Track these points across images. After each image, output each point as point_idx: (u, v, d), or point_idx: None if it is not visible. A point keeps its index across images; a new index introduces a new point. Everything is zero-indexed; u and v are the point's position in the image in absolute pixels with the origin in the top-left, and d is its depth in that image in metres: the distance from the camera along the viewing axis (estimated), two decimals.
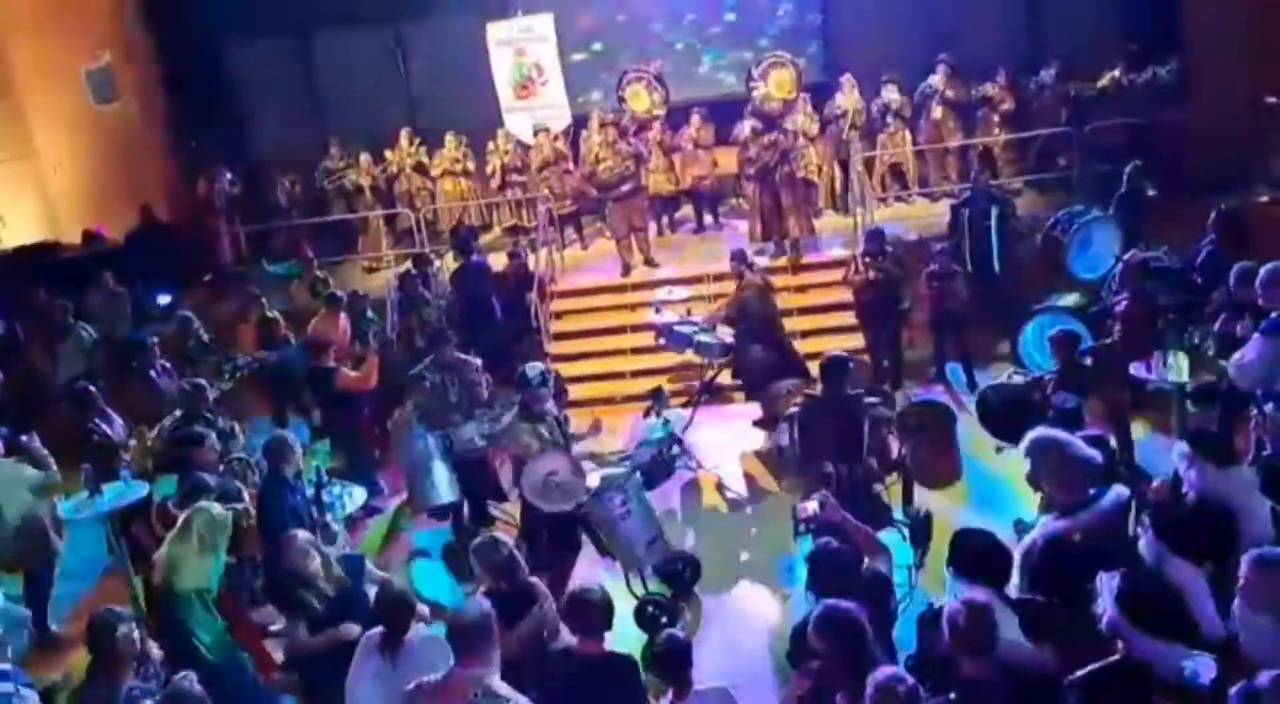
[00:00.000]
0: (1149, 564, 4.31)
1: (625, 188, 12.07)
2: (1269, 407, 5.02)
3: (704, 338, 9.37)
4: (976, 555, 4.19)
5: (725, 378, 10.01)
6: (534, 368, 7.43)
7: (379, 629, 4.69)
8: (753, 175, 11.81)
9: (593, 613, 4.46)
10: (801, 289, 11.65)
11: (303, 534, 5.41)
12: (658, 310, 10.12)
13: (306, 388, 9.37)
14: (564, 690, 4.41)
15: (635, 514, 6.72)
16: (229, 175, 13.74)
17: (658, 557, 6.81)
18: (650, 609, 6.52)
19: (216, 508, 5.94)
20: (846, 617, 3.91)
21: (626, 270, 12.29)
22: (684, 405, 9.83)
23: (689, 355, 9.81)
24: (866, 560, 4.70)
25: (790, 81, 12.75)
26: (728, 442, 9.52)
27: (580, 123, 14.00)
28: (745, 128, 13.09)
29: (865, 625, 3.90)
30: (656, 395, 9.29)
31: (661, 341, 9.91)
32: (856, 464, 6.35)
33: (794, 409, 6.88)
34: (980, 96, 13.20)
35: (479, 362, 8.35)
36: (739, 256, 9.87)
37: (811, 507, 5.74)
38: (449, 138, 14.15)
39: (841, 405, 6.44)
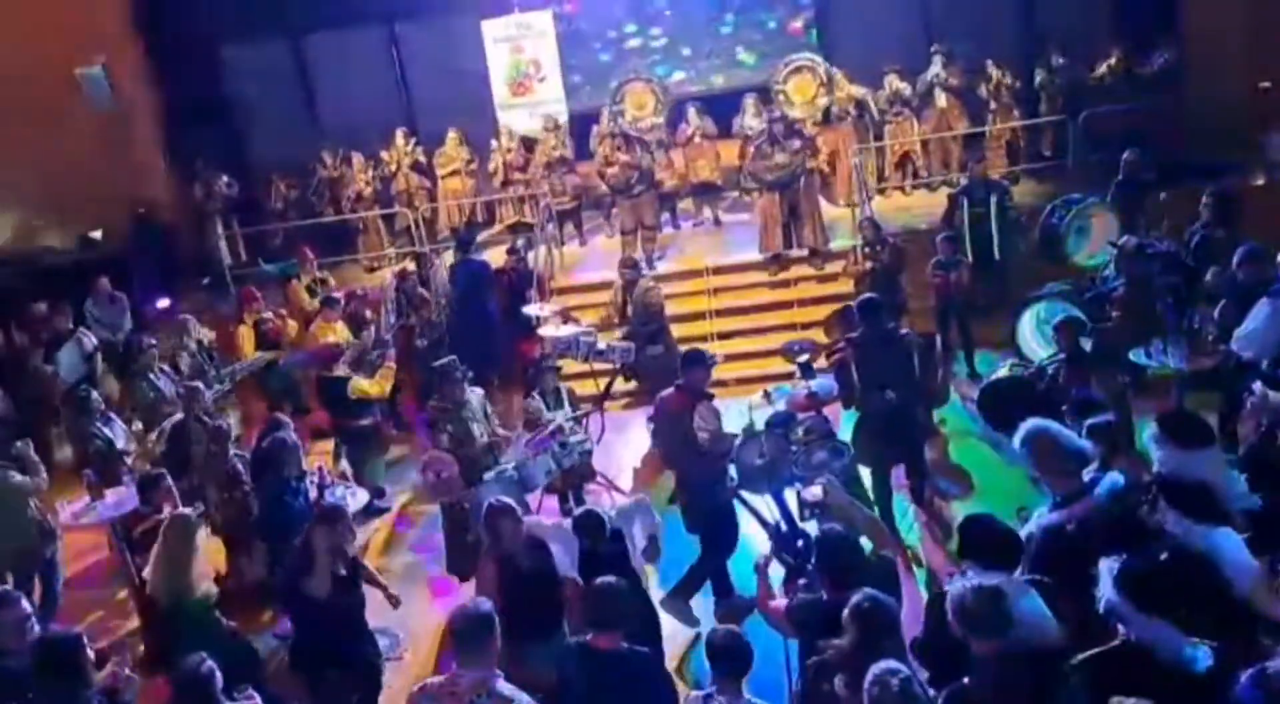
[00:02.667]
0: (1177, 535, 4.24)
1: (636, 189, 12.05)
2: (1257, 386, 4.98)
3: (603, 345, 9.33)
4: (987, 540, 4.18)
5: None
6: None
7: None
8: (773, 183, 11.50)
9: (612, 606, 4.41)
10: (802, 282, 11.66)
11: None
12: (552, 319, 9.78)
13: (305, 390, 9.37)
14: (582, 685, 4.39)
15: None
16: (225, 178, 13.73)
17: None
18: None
19: (187, 511, 5.97)
20: (885, 609, 3.94)
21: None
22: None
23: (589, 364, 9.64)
24: (870, 545, 4.72)
25: (812, 86, 12.65)
26: None
27: (587, 119, 13.98)
28: (746, 118, 13.13)
29: (899, 621, 3.94)
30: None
31: (561, 351, 9.51)
32: (907, 390, 7.13)
33: (841, 352, 7.42)
34: (990, 86, 13.13)
35: (481, 391, 8.02)
36: (629, 262, 10.27)
37: (816, 492, 5.76)
38: (451, 135, 14.12)
39: (889, 338, 7.18)
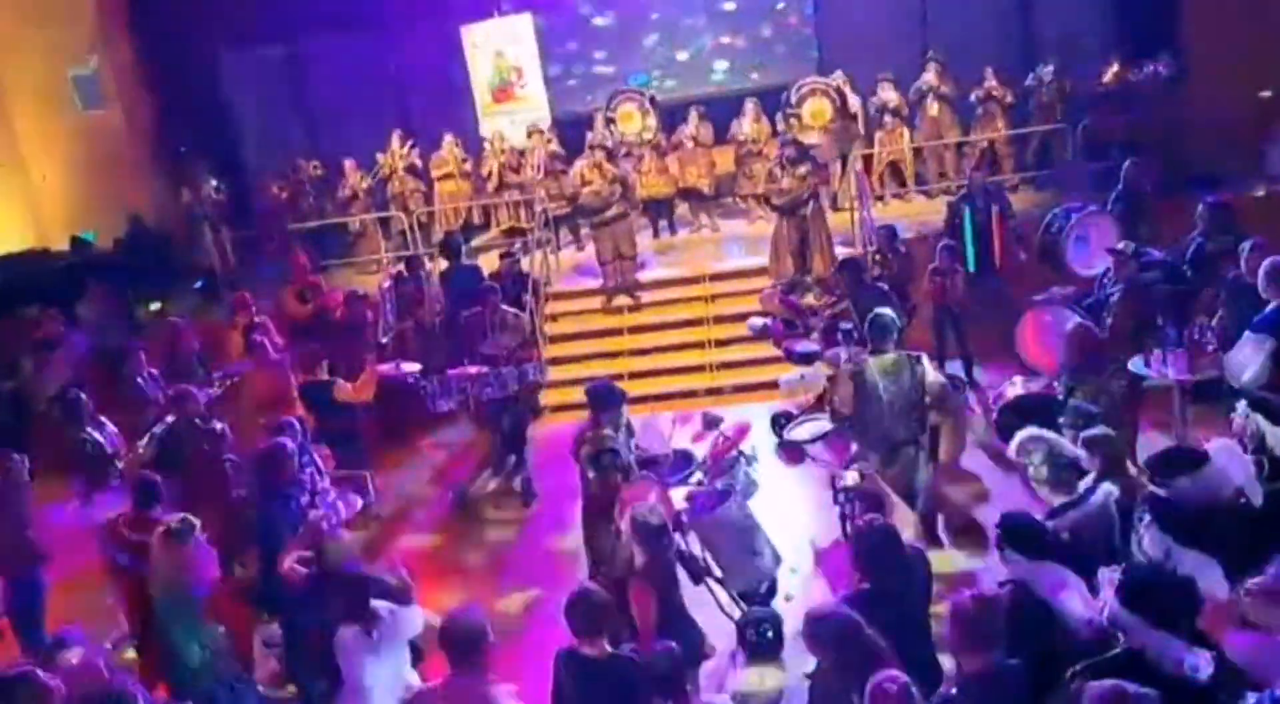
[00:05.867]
0: (1156, 558, 4.31)
1: (610, 213, 11.69)
2: (1240, 405, 4.99)
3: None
4: (1022, 532, 4.24)
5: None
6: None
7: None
8: (782, 208, 11.13)
9: (595, 613, 4.40)
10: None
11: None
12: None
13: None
14: (567, 691, 4.40)
15: None
16: (214, 182, 13.69)
17: None
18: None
19: (178, 519, 5.75)
20: (837, 619, 3.92)
21: (609, 298, 12.00)
22: None
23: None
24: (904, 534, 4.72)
25: (827, 110, 12.52)
26: None
27: (566, 125, 13.97)
28: (746, 122, 13.11)
29: (859, 622, 3.89)
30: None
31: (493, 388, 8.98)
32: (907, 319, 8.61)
33: (842, 308, 8.68)
34: (980, 94, 13.16)
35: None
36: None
37: (851, 477, 5.72)
38: (446, 139, 14.08)
39: (877, 289, 8.68)
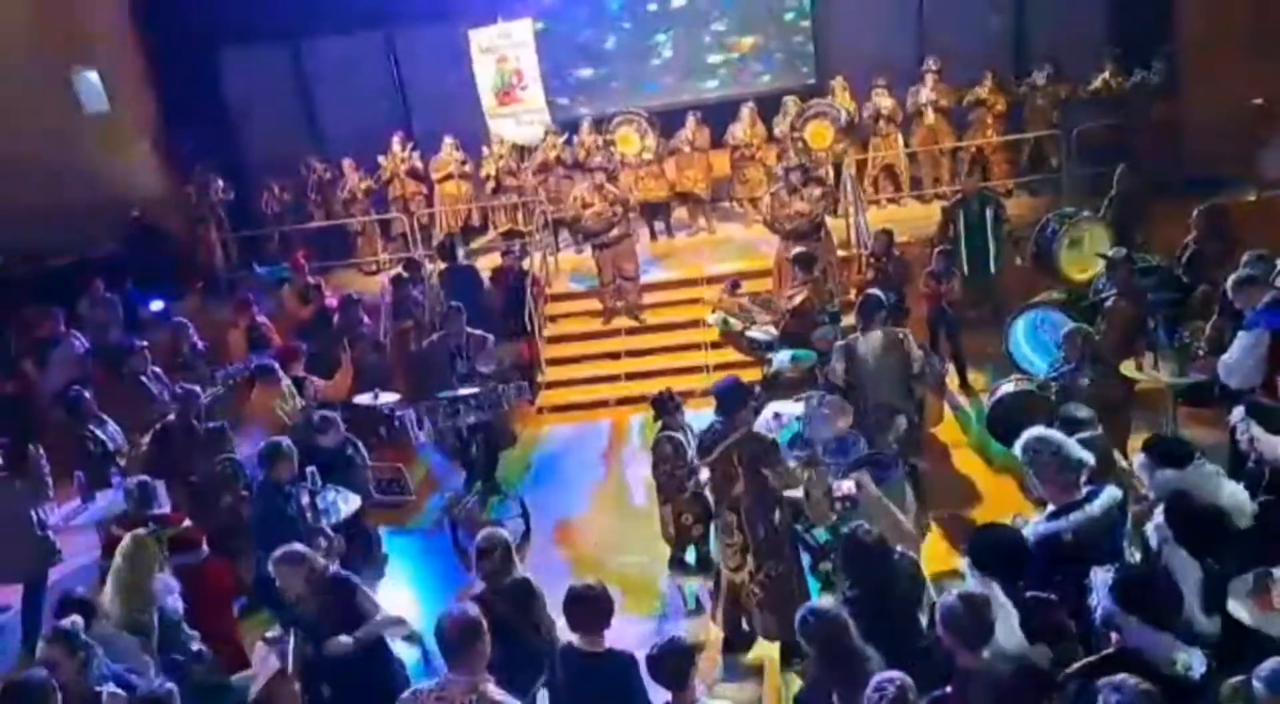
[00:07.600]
0: (1152, 548, 4.35)
1: (613, 234, 11.56)
2: (1237, 411, 5.02)
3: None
4: (992, 550, 4.21)
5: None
6: None
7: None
8: (792, 232, 10.69)
9: (593, 610, 4.44)
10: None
11: (295, 552, 5.23)
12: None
13: None
14: (566, 687, 4.43)
15: None
16: (221, 183, 13.72)
17: None
18: None
19: (141, 531, 5.66)
20: (829, 617, 3.96)
21: (608, 318, 11.90)
22: None
23: None
24: (898, 546, 4.74)
25: (830, 132, 12.51)
26: None
27: (565, 127, 14.02)
28: (741, 126, 13.12)
29: (848, 624, 3.93)
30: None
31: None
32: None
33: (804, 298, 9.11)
34: (973, 99, 13.21)
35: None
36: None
37: (848, 485, 5.73)
38: (446, 141, 14.12)
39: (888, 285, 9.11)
